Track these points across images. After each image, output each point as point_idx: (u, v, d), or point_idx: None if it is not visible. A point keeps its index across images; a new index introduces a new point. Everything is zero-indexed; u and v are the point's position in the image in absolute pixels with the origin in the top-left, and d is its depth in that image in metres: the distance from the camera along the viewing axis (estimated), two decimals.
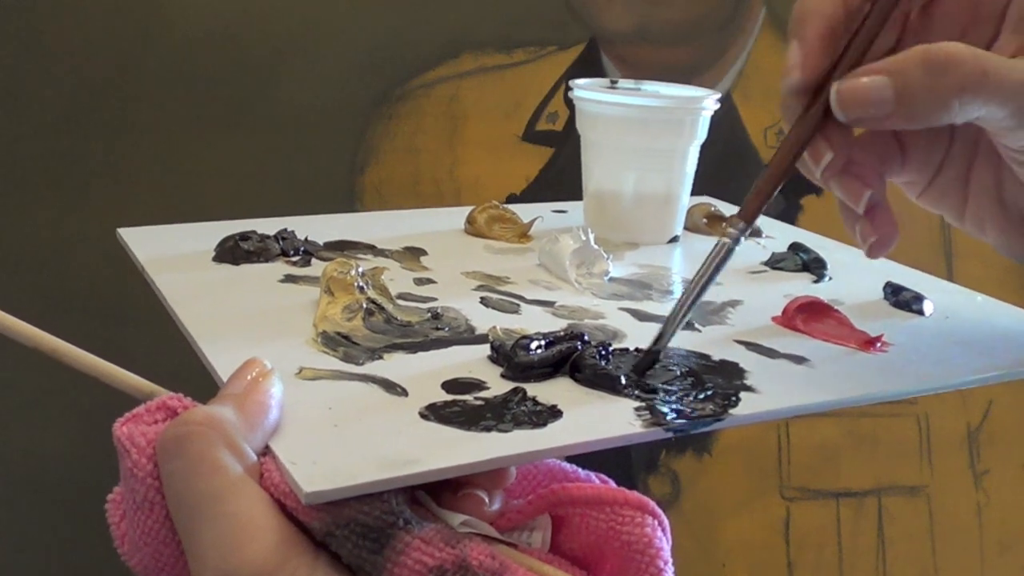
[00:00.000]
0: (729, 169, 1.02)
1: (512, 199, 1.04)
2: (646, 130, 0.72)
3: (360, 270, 0.56)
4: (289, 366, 0.47)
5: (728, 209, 0.80)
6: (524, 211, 0.75)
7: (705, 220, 0.77)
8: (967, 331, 0.58)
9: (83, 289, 0.99)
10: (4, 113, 0.97)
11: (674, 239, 0.75)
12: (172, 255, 0.64)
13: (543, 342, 0.48)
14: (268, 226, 0.67)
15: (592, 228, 0.67)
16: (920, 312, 0.61)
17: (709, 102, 0.72)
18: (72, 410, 0.98)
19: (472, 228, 0.73)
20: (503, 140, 1.05)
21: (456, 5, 1.03)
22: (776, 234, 0.77)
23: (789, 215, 1.01)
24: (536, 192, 1.05)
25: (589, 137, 0.75)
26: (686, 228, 0.76)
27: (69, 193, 0.99)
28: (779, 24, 1.06)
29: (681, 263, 0.71)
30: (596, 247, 0.64)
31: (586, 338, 0.49)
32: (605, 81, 0.77)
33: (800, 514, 1.11)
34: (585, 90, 0.74)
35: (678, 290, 0.63)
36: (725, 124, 1.03)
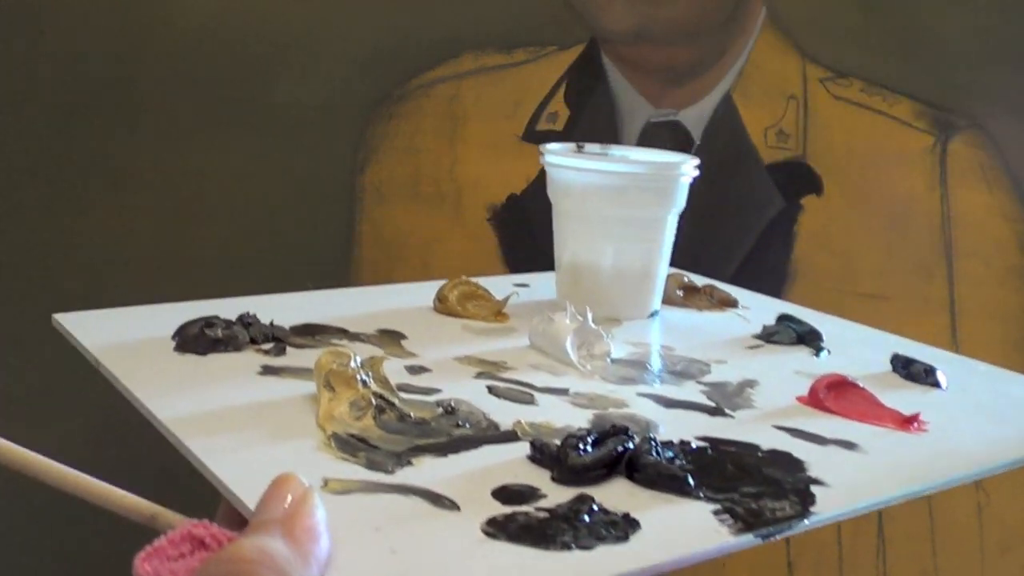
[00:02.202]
0: (729, 169, 1.01)
1: (512, 199, 1.04)
2: (623, 199, 0.68)
3: (359, 361, 0.50)
4: (307, 476, 0.41)
5: (699, 280, 0.77)
6: (488, 284, 0.71)
7: (680, 292, 0.74)
8: (990, 406, 0.56)
9: (81, 289, 0.98)
10: (4, 113, 0.96)
11: (653, 314, 0.71)
12: (125, 343, 0.57)
13: (590, 439, 0.44)
14: (223, 307, 0.61)
15: (566, 302, 0.62)
16: (936, 385, 0.58)
17: (687, 167, 0.69)
18: (69, 409, 0.97)
19: (443, 306, 0.68)
20: (503, 140, 1.04)
21: (456, 5, 1.03)
22: (752, 304, 0.74)
23: (790, 214, 1.00)
24: (536, 192, 1.02)
25: (562, 206, 0.71)
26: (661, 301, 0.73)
27: (68, 193, 0.98)
28: (779, 24, 1.06)
29: (664, 339, 0.67)
30: (595, 327, 0.60)
31: (631, 432, 0.45)
32: (571, 145, 0.74)
33: None
34: (557, 155, 0.70)
35: (660, 369, 0.59)
36: (725, 124, 1.03)
